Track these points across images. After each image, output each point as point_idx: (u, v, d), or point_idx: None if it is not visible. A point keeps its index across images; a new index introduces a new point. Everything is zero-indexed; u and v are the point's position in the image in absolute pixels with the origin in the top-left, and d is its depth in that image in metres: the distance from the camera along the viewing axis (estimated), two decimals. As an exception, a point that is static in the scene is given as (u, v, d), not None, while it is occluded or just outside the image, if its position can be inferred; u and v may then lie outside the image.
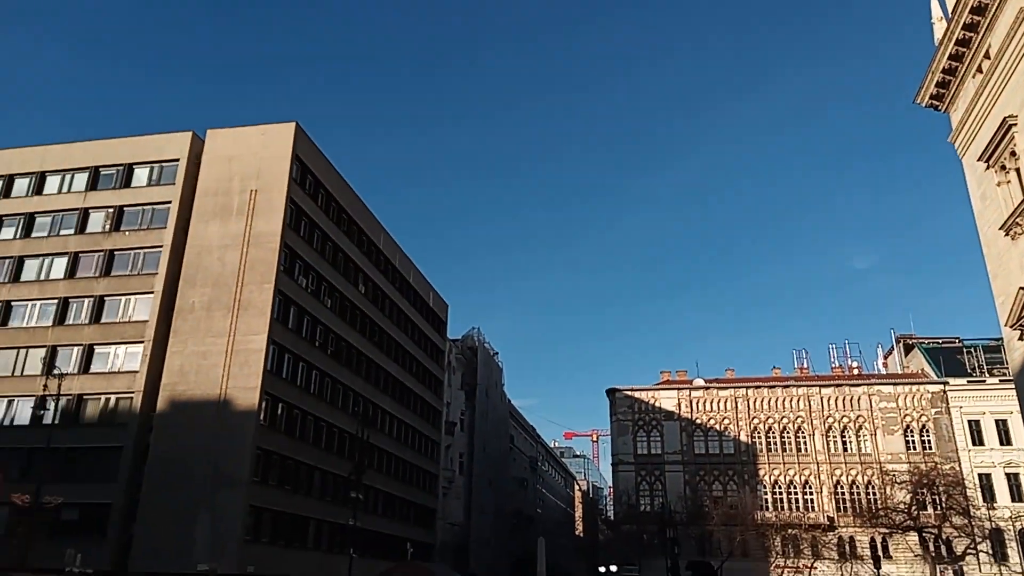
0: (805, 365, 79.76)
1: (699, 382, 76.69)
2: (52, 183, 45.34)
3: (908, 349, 79.30)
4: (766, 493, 70.46)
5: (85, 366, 39.94)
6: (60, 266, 42.84)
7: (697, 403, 74.88)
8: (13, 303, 42.58)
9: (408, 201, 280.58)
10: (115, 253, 42.54)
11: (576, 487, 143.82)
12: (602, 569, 57.49)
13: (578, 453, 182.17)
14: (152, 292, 40.82)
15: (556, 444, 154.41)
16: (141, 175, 44.30)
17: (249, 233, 40.83)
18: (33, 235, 44.18)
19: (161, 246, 41.81)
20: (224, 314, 39.32)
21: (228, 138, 43.64)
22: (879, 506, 62.77)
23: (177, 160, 43.67)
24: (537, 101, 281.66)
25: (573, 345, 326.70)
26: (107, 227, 43.23)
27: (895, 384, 72.37)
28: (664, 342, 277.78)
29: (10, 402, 40.05)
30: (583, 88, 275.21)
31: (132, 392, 38.98)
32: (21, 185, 45.63)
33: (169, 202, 42.75)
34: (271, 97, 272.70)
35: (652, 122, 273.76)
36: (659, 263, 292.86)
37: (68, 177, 45.12)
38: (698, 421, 74.21)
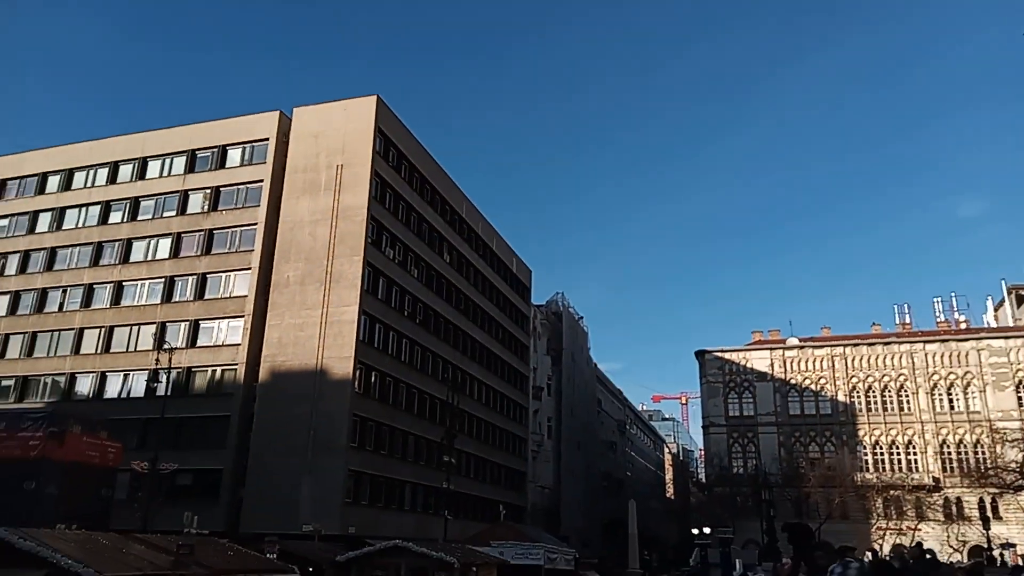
0: (908, 321, 76.40)
1: (793, 341, 74.61)
2: (153, 168, 47.69)
3: (1021, 300, 74.62)
4: (866, 454, 68.38)
5: (192, 340, 42.23)
6: (165, 246, 45.22)
7: (791, 363, 72.95)
8: (124, 283, 45.29)
9: (489, 169, 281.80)
10: (214, 232, 44.54)
11: (666, 450, 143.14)
12: (695, 531, 57.32)
13: (667, 416, 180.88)
14: (249, 268, 42.62)
15: (644, 408, 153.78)
16: (234, 156, 46.03)
17: (337, 207, 41.94)
18: (139, 218, 46.71)
19: (256, 224, 43.49)
20: (317, 287, 40.72)
21: (313, 115, 44.74)
22: (988, 465, 59.91)
23: (267, 139, 45.13)
24: (621, 65, 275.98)
25: (660, 309, 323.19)
26: (205, 207, 45.27)
27: (1007, 337, 68.46)
28: (755, 304, 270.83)
29: (126, 375, 42.88)
30: (669, 48, 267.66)
31: (236, 364, 41.05)
32: (125, 171, 48.20)
33: (261, 181, 44.32)
34: (353, 72, 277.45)
35: (734, 83, 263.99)
36: (750, 226, 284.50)
37: (168, 161, 47.35)
38: (792, 382, 72.37)
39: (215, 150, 46.23)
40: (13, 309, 47.20)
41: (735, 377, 73.69)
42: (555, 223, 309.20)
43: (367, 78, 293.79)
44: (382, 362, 42.12)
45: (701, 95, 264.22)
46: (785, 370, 72.56)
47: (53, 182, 49.90)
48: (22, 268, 48.13)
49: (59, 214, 48.72)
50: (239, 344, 41.28)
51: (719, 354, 74.90)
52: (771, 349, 74.20)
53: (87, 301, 45.54)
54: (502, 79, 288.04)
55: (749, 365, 73.69)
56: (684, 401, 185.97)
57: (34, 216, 49.35)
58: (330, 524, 34.90)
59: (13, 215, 49.98)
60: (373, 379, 41.37)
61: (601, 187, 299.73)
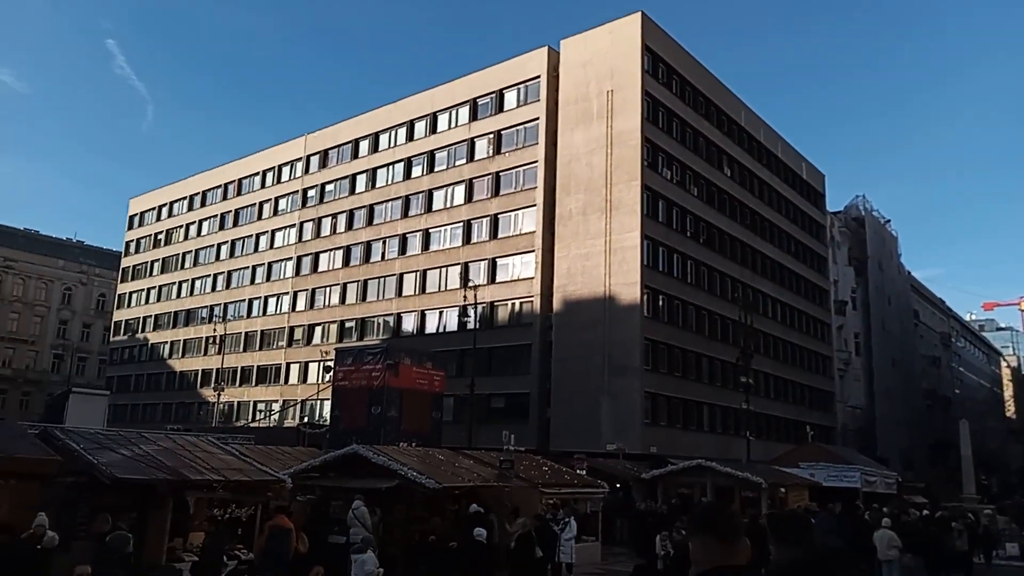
0: None
1: None
2: (443, 121, 51.61)
3: None
4: None
5: (491, 277, 45.68)
6: (460, 193, 49.07)
7: None
8: (430, 230, 50.17)
9: (765, 69, 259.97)
10: (500, 174, 47.26)
11: (1003, 364, 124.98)
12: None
13: (1003, 326, 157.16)
14: (534, 205, 44.67)
15: (973, 317, 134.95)
16: (510, 98, 48.04)
17: (611, 134, 42.00)
18: (436, 169, 51.12)
19: (536, 161, 45.24)
20: (598, 216, 41.48)
21: (579, 44, 44.87)
22: None
23: (538, 77, 46.35)
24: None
25: (988, 198, 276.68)
26: (490, 152, 48.09)
27: None
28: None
29: (441, 313, 47.88)
30: None
31: (531, 296, 43.70)
32: (420, 128, 52.82)
33: (537, 119, 45.81)
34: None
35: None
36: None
37: (454, 113, 50.92)
38: None
39: (493, 95, 48.60)
40: (346, 261, 54.88)
41: (1096, 275, 61.35)
42: (845, 110, 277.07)
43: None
44: (668, 285, 41.94)
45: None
46: None
47: (364, 146, 56.41)
48: (349, 225, 55.52)
49: (372, 174, 55.10)
50: (532, 277, 43.76)
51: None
52: None
53: (403, 249, 51.31)
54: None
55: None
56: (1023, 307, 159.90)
57: (353, 179, 56.40)
58: (631, 443, 36.17)
59: (336, 180, 57.60)
60: (660, 303, 41.43)
61: (899, 50, 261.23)
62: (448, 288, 47.54)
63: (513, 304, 44.87)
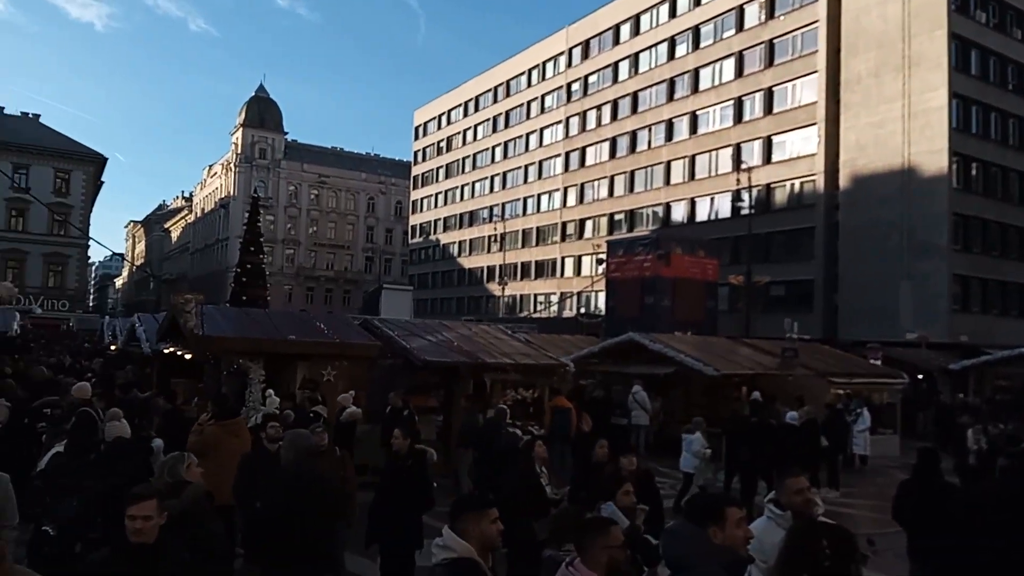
0: None
1: None
2: (706, -9, 48.07)
3: None
4: None
5: (767, 157, 42.71)
6: (729, 68, 45.87)
7: None
8: (698, 112, 47.87)
9: None
10: (774, 42, 43.19)
11: None
12: None
13: None
14: (815, 71, 40.38)
15: None
16: (783, -46, 43.15)
17: (908, -21, 36.07)
18: (701, 46, 48.11)
19: (816, 21, 40.53)
20: (894, 76, 36.40)
21: None
22: None
23: (816, -76, 40.88)
24: None
25: None
26: (762, 18, 43.98)
27: None
28: None
29: (712, 199, 46.11)
30: None
31: (813, 175, 40.23)
32: (682, 2, 49.75)
33: (815, -27, 40.76)
34: None
35: None
36: None
37: (718, -20, 47.10)
38: None
39: (763, -46, 43.99)
40: (612, 153, 54.72)
41: None
42: None
43: None
44: (983, 151, 36.01)
45: None
46: None
47: (624, 31, 54.73)
48: (613, 116, 54.96)
49: (634, 59, 53.50)
50: (814, 154, 40.14)
51: None
52: None
53: (669, 135, 49.77)
54: None
55: None
56: None
57: (615, 67, 55.30)
58: (935, 332, 32.52)
59: (599, 70, 56.90)
60: (973, 172, 35.87)
61: None
62: (719, 173, 45.48)
63: (792, 184, 41.74)
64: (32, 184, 49.16)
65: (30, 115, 59.55)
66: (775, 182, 42.20)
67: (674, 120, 49.43)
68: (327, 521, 5.45)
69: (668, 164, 49.52)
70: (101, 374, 17.54)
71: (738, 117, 44.84)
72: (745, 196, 37.35)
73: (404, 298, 30.22)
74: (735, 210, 41.04)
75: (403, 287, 47.71)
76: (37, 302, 43.57)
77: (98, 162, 56.92)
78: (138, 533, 3.56)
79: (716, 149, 46.06)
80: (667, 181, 49.49)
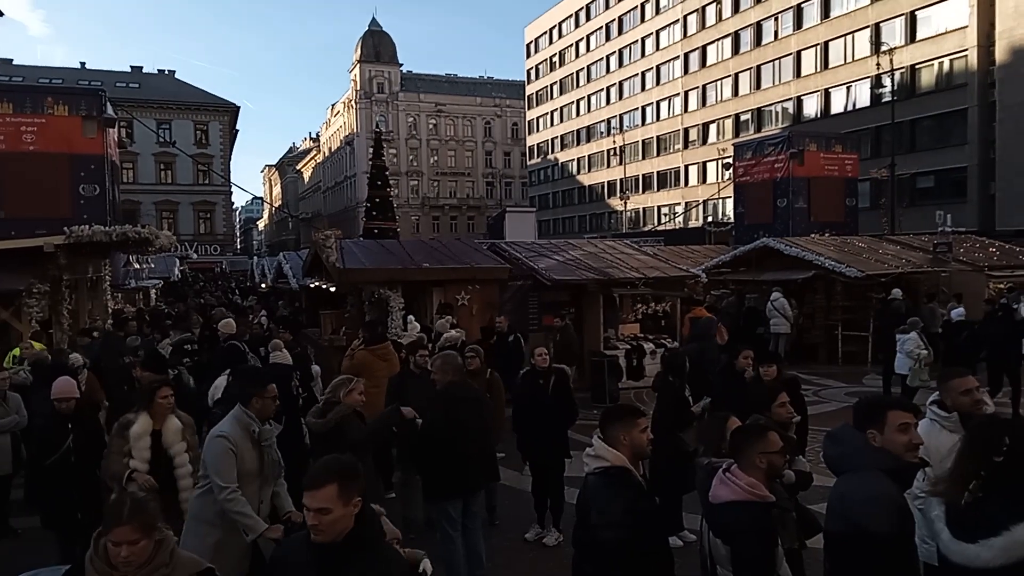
0: None
1: None
2: None
3: None
4: None
5: (910, 35, 38.87)
6: (861, -59, 41.65)
7: None
8: (828, -6, 44.01)
9: None
10: (914, -96, 38.62)
11: None
12: None
13: None
14: (965, -68, 35.94)
15: None
16: None
17: None
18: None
19: None
20: (1063, -74, 31.80)
21: None
22: None
23: None
24: None
25: None
26: None
27: None
28: None
29: (848, 88, 42.71)
30: None
31: (964, 50, 36.30)
32: None
33: None
34: None
35: None
36: None
37: None
38: None
39: None
40: (736, 49, 51.53)
41: None
42: None
43: None
44: None
45: None
46: None
47: (742, -86, 50.61)
48: (735, 8, 51.48)
49: (754, -55, 49.55)
50: (965, 27, 36.10)
51: None
52: None
53: (798, 23, 46.18)
54: None
55: None
56: None
57: (733, -45, 51.47)
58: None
59: (716, -39, 53.20)
60: None
61: None
62: (855, 58, 41.95)
63: (940, 64, 37.88)
64: (175, 137, 52.58)
65: (166, 71, 63.25)
66: (920, 62, 38.46)
67: (803, 5, 45.74)
68: (486, 437, 5.76)
69: (798, 54, 46.16)
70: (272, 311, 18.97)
71: (876, -6, 40.88)
72: (887, 81, 34.44)
73: (527, 220, 30.30)
74: (875, 98, 37.98)
75: (526, 209, 47.92)
76: (192, 248, 47.23)
77: (232, 112, 59.95)
78: (316, 531, 2.66)
79: (852, 32, 42.36)
80: (797, 73, 46.26)
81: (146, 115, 51.51)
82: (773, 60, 48.15)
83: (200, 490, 4.37)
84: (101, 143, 15.76)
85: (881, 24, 40.28)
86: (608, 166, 66.78)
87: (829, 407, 12.61)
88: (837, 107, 43.51)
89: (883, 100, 34.48)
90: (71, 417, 5.85)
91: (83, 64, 60.81)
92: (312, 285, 17.33)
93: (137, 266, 20.80)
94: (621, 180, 62.18)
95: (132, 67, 61.75)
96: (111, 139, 16.67)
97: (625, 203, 60.19)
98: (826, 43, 44.07)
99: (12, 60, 56.84)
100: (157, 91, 57.30)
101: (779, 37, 47.69)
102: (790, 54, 46.63)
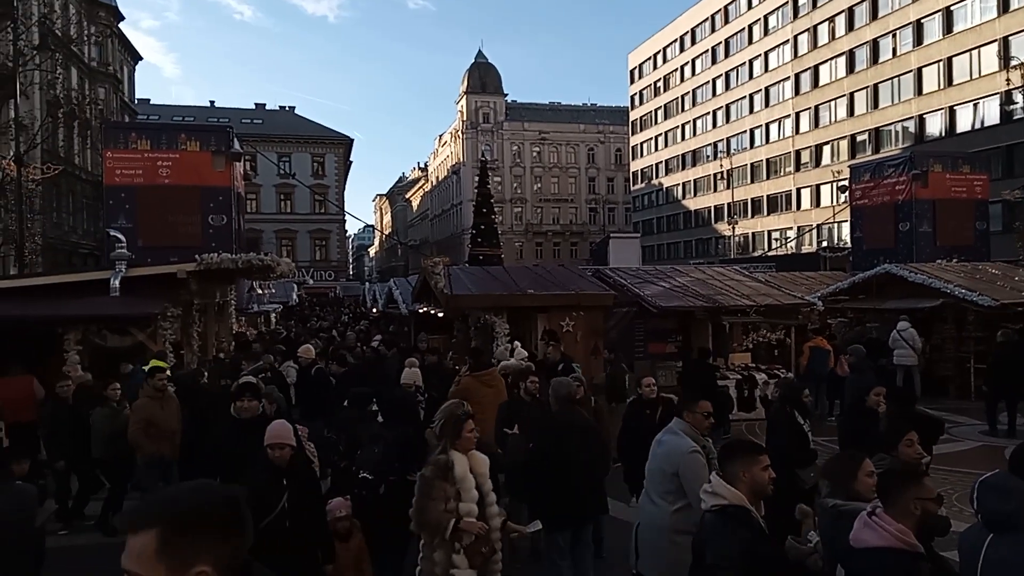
0: None
1: None
2: None
3: None
4: None
5: (1045, 47, 36.29)
6: (989, -50, 39.35)
7: None
8: (952, 8, 41.69)
9: None
10: (1049, -92, 36.22)
11: None
12: None
13: None
14: (1109, -65, 33.35)
15: None
16: None
17: None
18: (952, -70, 41.67)
19: None
20: None
21: None
22: None
23: None
24: None
25: None
26: None
27: None
28: None
29: (975, 105, 40.19)
30: None
31: (1111, 60, 33.50)
32: None
33: None
34: None
35: None
36: None
37: None
38: None
39: None
40: (851, 67, 49.56)
41: None
42: None
43: None
44: None
45: None
46: None
47: (856, -71, 48.89)
48: (849, 25, 49.62)
49: (870, -40, 47.72)
50: (1112, 35, 33.40)
51: None
52: None
53: (918, 39, 43.99)
54: None
55: None
56: None
57: (847, -29, 49.73)
58: None
59: (829, -22, 51.53)
60: None
61: None
62: (982, 74, 39.49)
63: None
64: (294, 169, 55.49)
65: (286, 108, 67.02)
66: (1058, 76, 35.74)
67: (923, 20, 43.58)
68: (596, 466, 5.69)
69: (919, 71, 43.91)
70: (389, 339, 19.55)
71: (1004, 5, 38.42)
72: (1018, 97, 32.18)
73: (632, 246, 30.04)
74: (1005, 115, 35.48)
75: (630, 235, 47.55)
76: (308, 274, 49.45)
77: (346, 144, 62.79)
78: None
79: (977, 47, 39.95)
80: (918, 91, 43.97)
81: (268, 149, 54.63)
82: (892, 78, 46.01)
83: (676, 506, 4.35)
84: (228, 176, 16.85)
85: (1010, 37, 37.78)
86: (715, 190, 65.38)
87: (962, 446, 11.75)
88: (963, 125, 41.00)
89: (1015, 117, 32.23)
90: (286, 471, 4.57)
91: (212, 102, 65.37)
92: (421, 311, 17.77)
93: (259, 291, 21.99)
94: (728, 204, 60.71)
95: (256, 104, 65.92)
96: (237, 172, 17.76)
97: (733, 228, 58.66)
98: (949, 59, 41.73)
99: (149, 100, 61.67)
100: (278, 126, 60.75)
101: (898, 54, 45.55)
102: (910, 71, 44.42)
